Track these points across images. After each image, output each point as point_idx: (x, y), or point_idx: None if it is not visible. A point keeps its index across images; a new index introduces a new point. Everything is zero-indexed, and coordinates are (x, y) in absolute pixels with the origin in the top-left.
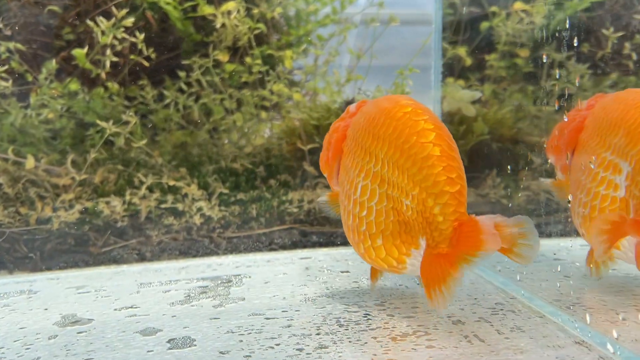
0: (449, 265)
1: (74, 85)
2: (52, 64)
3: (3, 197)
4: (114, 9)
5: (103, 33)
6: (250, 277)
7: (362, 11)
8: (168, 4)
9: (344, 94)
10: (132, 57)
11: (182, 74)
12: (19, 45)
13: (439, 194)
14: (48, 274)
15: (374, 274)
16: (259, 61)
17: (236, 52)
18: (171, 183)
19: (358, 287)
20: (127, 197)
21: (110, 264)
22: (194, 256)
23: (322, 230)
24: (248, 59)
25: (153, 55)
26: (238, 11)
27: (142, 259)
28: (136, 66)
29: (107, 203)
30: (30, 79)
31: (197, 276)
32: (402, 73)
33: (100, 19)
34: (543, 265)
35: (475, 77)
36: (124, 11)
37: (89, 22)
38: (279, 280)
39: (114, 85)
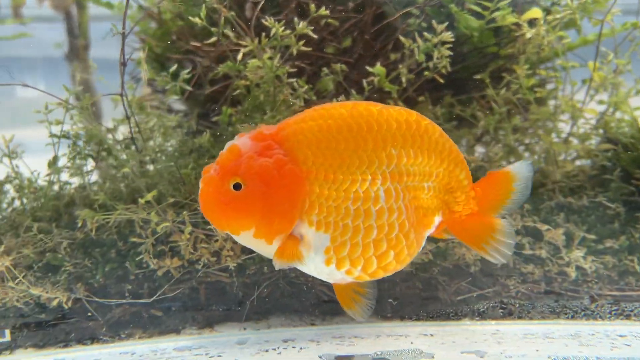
0: (487, 219)
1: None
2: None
3: None
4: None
5: (418, 49)
6: None
7: None
8: (461, 11)
9: None
10: (426, 73)
11: (489, 91)
12: None
13: (461, 161)
14: (409, 324)
15: (347, 301)
16: (556, 74)
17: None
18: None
19: None
20: None
21: (474, 317)
22: (559, 315)
23: None
24: (542, 72)
25: (443, 70)
26: (545, 20)
27: (508, 314)
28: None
29: (459, 245)
30: None
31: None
32: None
33: (424, 35)
34: None
35: None
36: (442, 26)
37: (403, 39)
38: None
39: (398, 104)
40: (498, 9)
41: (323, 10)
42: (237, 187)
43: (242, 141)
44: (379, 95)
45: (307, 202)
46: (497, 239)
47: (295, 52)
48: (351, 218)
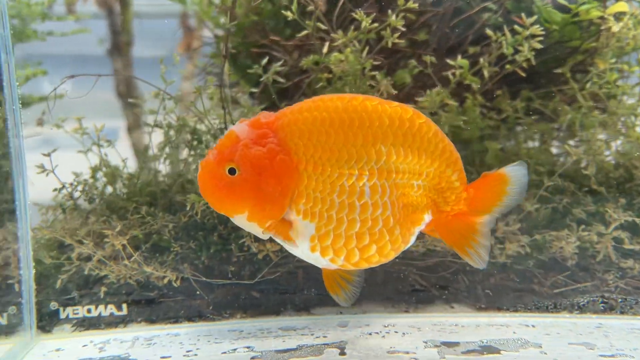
0: (470, 219)
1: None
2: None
3: None
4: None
5: (505, 42)
6: None
7: None
8: (544, 5)
9: None
10: (507, 67)
11: (573, 85)
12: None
13: (455, 161)
14: (507, 315)
15: (333, 286)
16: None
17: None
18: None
19: None
20: (580, 233)
21: (573, 310)
22: None
23: None
24: (624, 66)
25: (525, 64)
26: (632, 13)
27: (610, 308)
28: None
29: (557, 239)
30: None
31: None
32: None
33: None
34: None
35: None
36: (531, 19)
37: (490, 32)
38: None
39: (476, 97)
40: (584, 3)
41: (412, 3)
42: (232, 172)
43: (240, 128)
44: (458, 89)
45: (295, 191)
46: (477, 241)
47: (390, 44)
48: (335, 210)
